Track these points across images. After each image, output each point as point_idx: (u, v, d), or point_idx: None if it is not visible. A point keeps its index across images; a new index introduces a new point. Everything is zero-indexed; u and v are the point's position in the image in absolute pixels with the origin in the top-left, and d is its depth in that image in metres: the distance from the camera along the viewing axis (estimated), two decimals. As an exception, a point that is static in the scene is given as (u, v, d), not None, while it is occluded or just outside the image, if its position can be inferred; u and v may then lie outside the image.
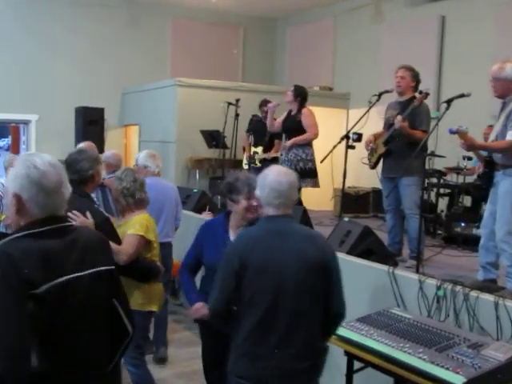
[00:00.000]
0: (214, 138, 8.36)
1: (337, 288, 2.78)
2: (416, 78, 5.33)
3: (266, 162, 7.59)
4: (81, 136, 8.83)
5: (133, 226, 3.82)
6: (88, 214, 3.50)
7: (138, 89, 10.38)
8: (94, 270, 1.98)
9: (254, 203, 3.30)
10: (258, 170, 7.55)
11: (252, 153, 7.65)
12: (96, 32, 10.62)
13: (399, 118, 5.11)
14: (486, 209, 4.36)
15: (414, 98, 5.22)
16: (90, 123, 9.41)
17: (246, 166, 7.87)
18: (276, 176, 2.76)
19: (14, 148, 11.18)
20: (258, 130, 7.67)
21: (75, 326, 1.88)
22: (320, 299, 2.72)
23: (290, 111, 6.74)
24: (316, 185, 6.57)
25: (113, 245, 3.66)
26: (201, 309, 3.41)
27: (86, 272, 1.93)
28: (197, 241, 3.60)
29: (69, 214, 3.45)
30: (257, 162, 7.61)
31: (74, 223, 3.42)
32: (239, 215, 3.43)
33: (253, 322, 2.68)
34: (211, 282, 3.33)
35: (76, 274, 1.89)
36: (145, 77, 10.57)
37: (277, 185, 2.73)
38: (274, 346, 2.66)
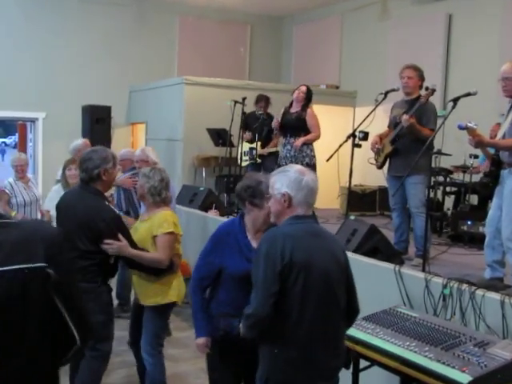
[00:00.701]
0: (220, 137, 8.37)
1: (354, 287, 2.85)
2: (422, 76, 5.34)
3: (263, 157, 7.65)
4: (88, 134, 8.84)
5: (160, 226, 3.90)
6: (120, 236, 3.64)
7: (145, 87, 10.40)
8: (6, 268, 1.83)
9: None
10: (257, 166, 7.59)
11: (249, 149, 7.67)
12: (103, 30, 10.64)
13: (405, 116, 5.09)
14: (491, 207, 4.35)
15: (421, 96, 5.22)
16: (97, 121, 9.45)
17: (244, 163, 7.87)
18: (310, 175, 2.78)
19: (21, 146, 11.19)
20: (257, 126, 7.69)
21: None
22: (346, 298, 2.78)
23: (288, 108, 6.78)
24: None
25: (150, 255, 3.83)
26: (206, 346, 3.28)
27: None
28: (215, 252, 3.25)
29: (104, 241, 3.59)
30: (256, 158, 7.63)
31: (110, 250, 3.58)
32: (262, 219, 3.17)
33: (303, 324, 2.59)
34: (236, 293, 3.14)
35: None
36: (152, 75, 10.60)
37: (313, 184, 2.76)
38: (325, 347, 2.64)
